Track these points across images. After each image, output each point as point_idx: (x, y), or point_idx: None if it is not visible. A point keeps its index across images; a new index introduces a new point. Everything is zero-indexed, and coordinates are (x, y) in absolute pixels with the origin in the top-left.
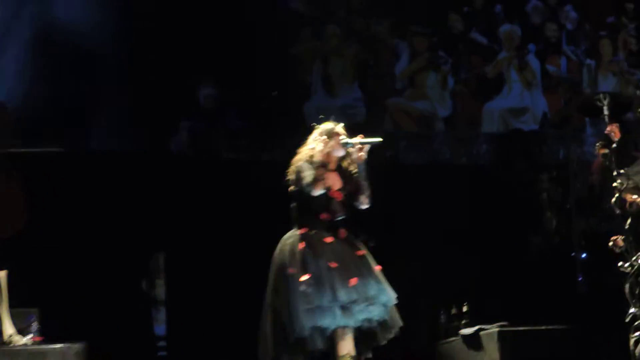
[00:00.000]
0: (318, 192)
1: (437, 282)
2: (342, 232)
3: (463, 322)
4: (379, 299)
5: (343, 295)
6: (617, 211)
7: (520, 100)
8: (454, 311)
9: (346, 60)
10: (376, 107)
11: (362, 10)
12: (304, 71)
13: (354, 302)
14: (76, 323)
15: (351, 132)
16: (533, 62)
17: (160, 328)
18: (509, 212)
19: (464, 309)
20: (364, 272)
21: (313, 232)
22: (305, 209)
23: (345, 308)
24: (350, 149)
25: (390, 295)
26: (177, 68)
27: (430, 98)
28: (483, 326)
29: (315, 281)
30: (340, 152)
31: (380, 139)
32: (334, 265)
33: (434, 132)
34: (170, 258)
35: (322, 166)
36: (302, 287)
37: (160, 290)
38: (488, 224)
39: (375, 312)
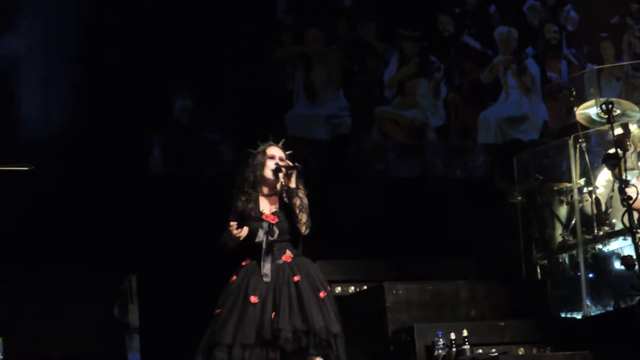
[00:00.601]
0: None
1: (432, 304)
2: (287, 256)
3: (462, 347)
4: (309, 329)
5: (245, 337)
6: (627, 226)
7: (518, 108)
8: (452, 336)
9: (330, 66)
10: (363, 117)
11: (345, 13)
12: (285, 78)
13: (269, 341)
14: (43, 352)
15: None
16: (532, 66)
17: (134, 357)
18: (509, 228)
19: (464, 333)
20: (291, 302)
21: (254, 262)
22: (249, 237)
23: (252, 346)
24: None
25: (319, 325)
26: (149, 79)
27: (422, 106)
28: (481, 352)
29: (224, 317)
30: (271, 176)
31: (298, 165)
32: (254, 300)
33: (426, 143)
34: (144, 280)
35: (253, 191)
36: (213, 324)
37: (134, 316)
38: (486, 242)
39: (304, 342)
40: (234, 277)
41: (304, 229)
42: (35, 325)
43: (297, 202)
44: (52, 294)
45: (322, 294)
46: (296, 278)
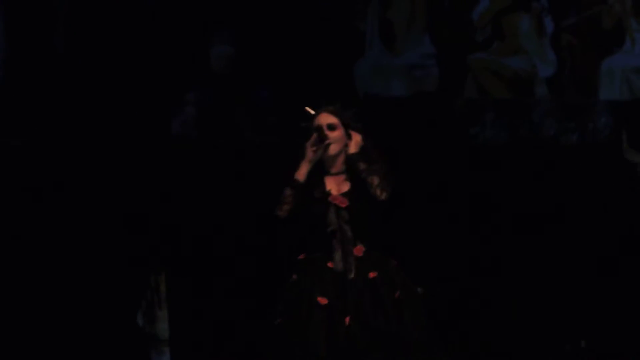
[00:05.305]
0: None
1: (555, 304)
2: (359, 249)
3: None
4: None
5: (316, 348)
6: None
7: None
8: (583, 344)
9: (413, 1)
10: (454, 67)
11: None
12: (356, 16)
13: (345, 349)
14: None
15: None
16: None
17: None
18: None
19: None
20: (374, 301)
21: (317, 255)
22: (311, 225)
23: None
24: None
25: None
26: (180, 19)
27: (527, 51)
28: None
29: (290, 328)
30: (325, 151)
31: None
32: (322, 302)
33: (534, 100)
34: (175, 280)
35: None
36: (275, 340)
37: (162, 326)
38: (610, 227)
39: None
40: (294, 276)
41: (378, 193)
42: (41, 342)
43: (361, 166)
44: (60, 301)
45: (397, 294)
46: (372, 274)
